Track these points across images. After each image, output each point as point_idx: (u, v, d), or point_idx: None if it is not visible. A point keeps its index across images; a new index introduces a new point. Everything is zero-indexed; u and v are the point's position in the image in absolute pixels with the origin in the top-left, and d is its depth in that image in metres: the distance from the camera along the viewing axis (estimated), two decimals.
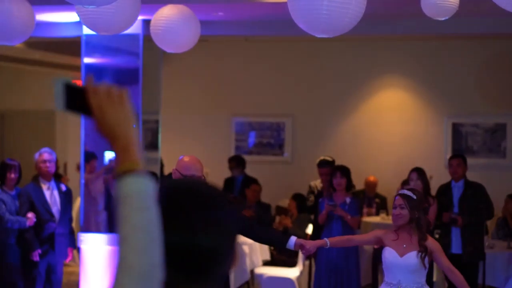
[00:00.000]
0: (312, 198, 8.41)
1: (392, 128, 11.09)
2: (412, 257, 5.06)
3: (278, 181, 11.11)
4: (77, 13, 5.55)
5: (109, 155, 8.37)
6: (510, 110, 10.63)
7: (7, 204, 7.31)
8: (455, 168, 7.76)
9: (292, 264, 8.82)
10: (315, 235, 7.74)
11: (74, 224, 8.10)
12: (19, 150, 12.15)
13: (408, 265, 5.06)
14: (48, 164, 7.51)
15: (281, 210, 10.37)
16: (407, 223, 5.12)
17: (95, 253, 8.14)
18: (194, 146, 11.03)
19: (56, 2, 7.43)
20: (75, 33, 8.30)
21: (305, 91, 11.35)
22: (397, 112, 11.10)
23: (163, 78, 9.43)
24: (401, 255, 5.08)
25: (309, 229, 8.76)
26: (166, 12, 6.04)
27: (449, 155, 9.71)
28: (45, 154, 7.57)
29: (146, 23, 7.52)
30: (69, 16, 7.97)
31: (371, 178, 10.28)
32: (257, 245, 8.58)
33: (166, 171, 9.16)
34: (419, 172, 7.63)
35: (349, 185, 7.72)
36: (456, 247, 7.52)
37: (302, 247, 4.96)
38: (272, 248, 9.09)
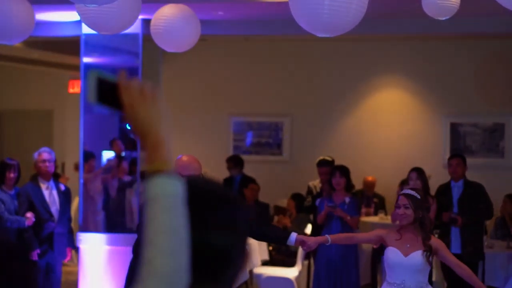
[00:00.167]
0: (309, 198, 8.41)
1: (390, 127, 11.08)
2: (417, 256, 5.05)
3: (277, 181, 11.09)
4: (77, 12, 5.54)
5: (107, 155, 8.36)
6: (509, 110, 10.63)
7: (6, 203, 7.28)
8: (455, 168, 7.75)
9: (291, 264, 8.81)
10: (315, 235, 7.72)
11: (73, 224, 8.09)
12: (17, 149, 12.15)
13: (413, 265, 5.04)
14: (47, 164, 7.49)
15: (279, 210, 10.36)
16: (411, 223, 5.11)
17: (94, 253, 8.13)
18: (192, 145, 11.00)
19: (55, 2, 7.43)
20: (74, 32, 8.29)
21: (303, 91, 11.34)
22: (395, 111, 11.10)
23: (162, 78, 9.42)
24: (406, 254, 5.07)
25: (308, 229, 8.75)
26: (167, 12, 6.03)
27: (447, 154, 9.68)
28: (45, 153, 7.54)
29: (146, 22, 7.51)
30: (68, 16, 7.97)
31: (370, 178, 10.28)
32: (256, 245, 8.57)
33: None
34: (418, 171, 7.64)
35: (349, 185, 7.71)
36: (456, 247, 7.51)
37: (303, 243, 4.94)
38: (271, 248, 9.08)
